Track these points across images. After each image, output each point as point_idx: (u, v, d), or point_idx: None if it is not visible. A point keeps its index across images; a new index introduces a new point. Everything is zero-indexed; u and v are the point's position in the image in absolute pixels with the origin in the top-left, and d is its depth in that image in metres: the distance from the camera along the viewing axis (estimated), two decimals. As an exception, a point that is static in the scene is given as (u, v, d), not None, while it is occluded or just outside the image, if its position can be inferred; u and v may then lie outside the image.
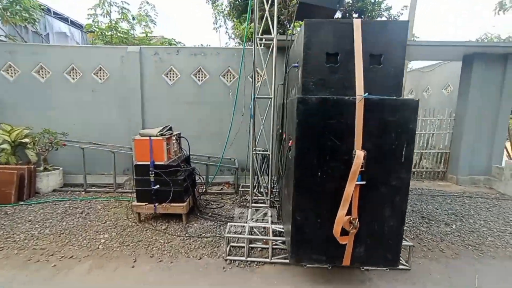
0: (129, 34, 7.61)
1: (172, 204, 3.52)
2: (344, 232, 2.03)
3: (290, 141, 2.33)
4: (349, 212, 2.00)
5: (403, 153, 1.97)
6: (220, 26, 10.12)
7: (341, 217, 1.97)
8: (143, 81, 5.18)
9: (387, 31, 2.01)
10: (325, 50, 2.05)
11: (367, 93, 1.89)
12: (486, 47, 5.18)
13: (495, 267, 2.78)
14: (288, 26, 8.49)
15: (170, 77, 5.24)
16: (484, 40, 9.33)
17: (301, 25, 6.37)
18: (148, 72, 5.18)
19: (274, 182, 3.71)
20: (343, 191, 1.97)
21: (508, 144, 5.88)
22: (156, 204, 3.51)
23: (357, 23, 2.00)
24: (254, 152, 3.53)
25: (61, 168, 4.97)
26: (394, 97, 1.99)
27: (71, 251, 2.90)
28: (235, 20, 9.62)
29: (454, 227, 3.65)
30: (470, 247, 3.14)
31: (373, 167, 1.97)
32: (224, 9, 9.73)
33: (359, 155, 1.89)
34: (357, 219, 2.01)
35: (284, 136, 2.96)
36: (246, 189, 4.79)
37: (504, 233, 3.49)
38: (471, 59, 5.43)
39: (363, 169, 1.92)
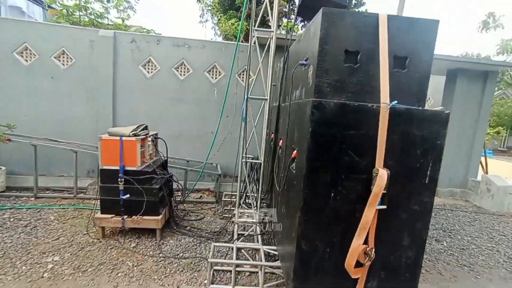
0: (103, 17, 6.78)
1: (145, 217, 2.98)
2: (357, 264, 1.70)
3: (295, 152, 1.97)
4: (364, 241, 1.68)
5: (428, 173, 1.70)
6: (206, 20, 9.55)
7: (356, 248, 1.64)
8: (116, 71, 4.53)
9: (415, 31, 1.74)
10: (344, 47, 1.72)
11: (395, 101, 1.59)
12: (469, 63, 5.31)
13: (493, 292, 2.67)
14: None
15: (148, 69, 4.65)
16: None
17: (292, 25, 6.03)
18: (123, 61, 4.54)
19: (264, 193, 3.33)
20: (358, 216, 1.65)
21: (483, 159, 6.11)
22: (125, 216, 2.95)
23: (383, 17, 1.70)
24: (244, 160, 3.12)
25: (3, 168, 4.11)
26: (421, 108, 1.72)
27: (1, 282, 2.23)
28: (221, 16, 9.13)
29: (445, 244, 3.55)
30: (465, 267, 3.03)
31: (393, 189, 1.67)
32: (212, 3, 9.22)
33: (382, 174, 1.58)
34: (373, 250, 1.70)
35: (280, 143, 2.60)
36: (228, 198, 4.35)
37: (492, 251, 3.46)
38: (455, 75, 5.55)
39: (384, 191, 1.61)
